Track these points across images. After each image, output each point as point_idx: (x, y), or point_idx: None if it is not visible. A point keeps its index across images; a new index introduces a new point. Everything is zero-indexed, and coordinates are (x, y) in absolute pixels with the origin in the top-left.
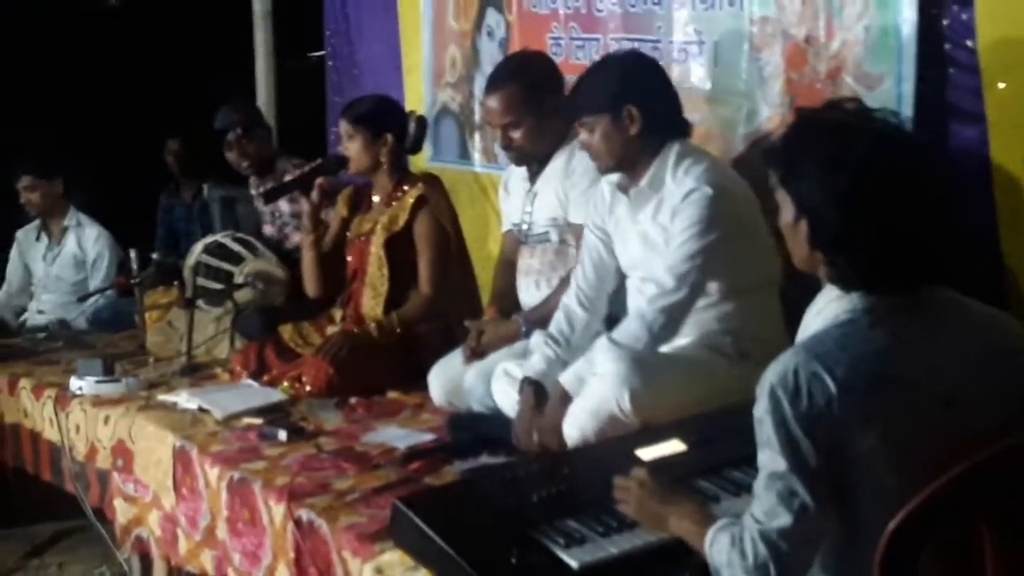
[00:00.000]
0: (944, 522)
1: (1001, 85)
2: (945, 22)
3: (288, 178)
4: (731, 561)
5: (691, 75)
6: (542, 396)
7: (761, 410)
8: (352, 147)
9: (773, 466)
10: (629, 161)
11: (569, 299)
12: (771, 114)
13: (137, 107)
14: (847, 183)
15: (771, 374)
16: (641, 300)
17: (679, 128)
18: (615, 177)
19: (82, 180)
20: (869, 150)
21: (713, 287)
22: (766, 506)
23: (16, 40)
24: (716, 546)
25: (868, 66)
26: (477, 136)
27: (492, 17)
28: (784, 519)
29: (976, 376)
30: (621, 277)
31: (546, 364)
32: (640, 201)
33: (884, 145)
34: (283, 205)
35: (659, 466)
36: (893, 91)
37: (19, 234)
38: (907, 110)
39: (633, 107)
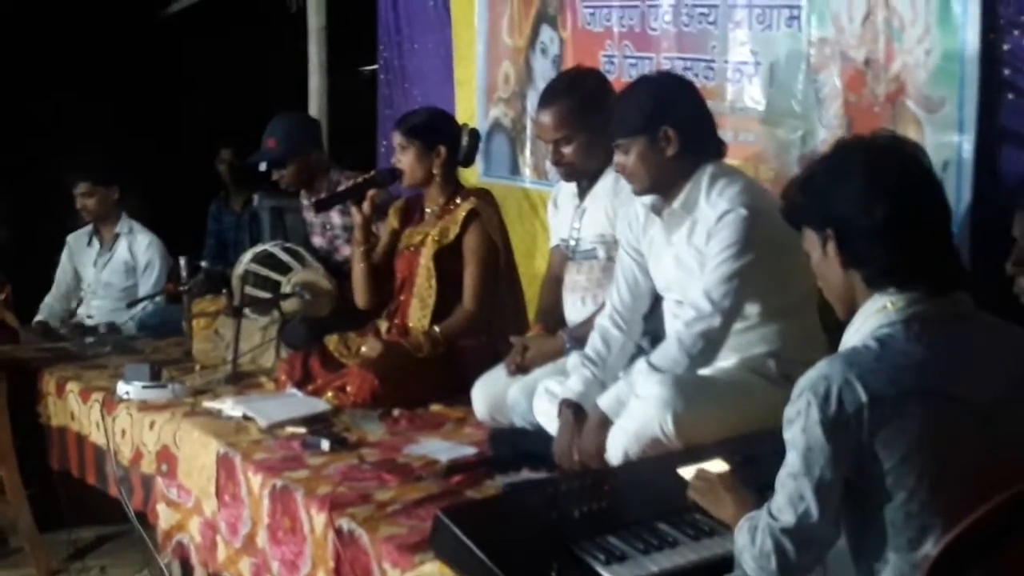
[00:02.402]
0: (991, 549)
1: None
2: (1005, 47)
3: (340, 189)
4: (745, 546)
5: (745, 95)
6: (581, 417)
7: (791, 411)
8: (405, 159)
9: (791, 466)
10: (665, 182)
11: (604, 319)
12: (827, 136)
13: (191, 116)
14: (863, 182)
15: (805, 379)
16: (678, 324)
17: (714, 149)
18: (649, 198)
19: (136, 187)
20: (870, 155)
21: (752, 309)
22: (778, 503)
23: (75, 49)
24: (740, 531)
25: (929, 90)
26: (528, 152)
27: (546, 34)
28: (788, 519)
29: (1015, 393)
30: (656, 297)
31: (584, 385)
32: (674, 223)
33: (888, 151)
34: (335, 217)
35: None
36: (955, 115)
37: (70, 239)
38: (969, 134)
39: (669, 128)
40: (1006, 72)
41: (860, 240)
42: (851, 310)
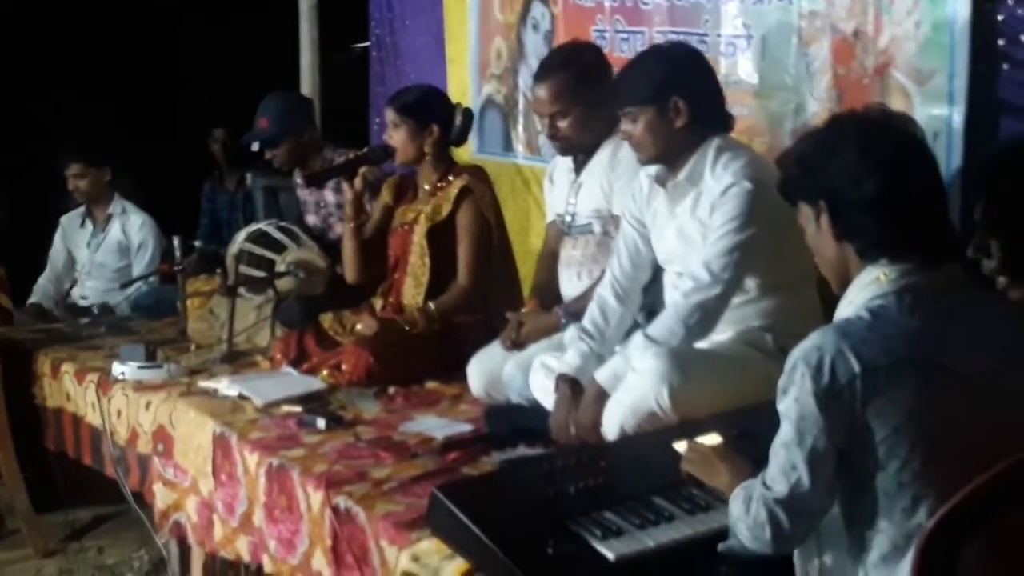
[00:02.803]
0: (986, 521)
1: None
2: (1000, 17)
3: (333, 165)
4: (740, 516)
5: (738, 69)
6: (578, 392)
7: (784, 381)
8: (397, 136)
9: (784, 436)
10: (671, 153)
11: (604, 290)
12: (818, 109)
13: (183, 96)
14: (855, 153)
15: (798, 349)
16: (677, 294)
17: (723, 122)
18: (653, 169)
19: (128, 168)
20: (862, 128)
21: (751, 283)
22: (772, 472)
23: (67, 31)
24: (735, 500)
25: (919, 61)
26: (521, 128)
27: (537, 9)
28: (781, 488)
29: (1008, 363)
30: (656, 269)
31: (581, 359)
32: (678, 194)
33: (882, 124)
34: (328, 195)
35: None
36: (945, 87)
37: (63, 220)
38: (959, 106)
39: (680, 99)
40: (1001, 43)
41: (852, 212)
42: (845, 283)
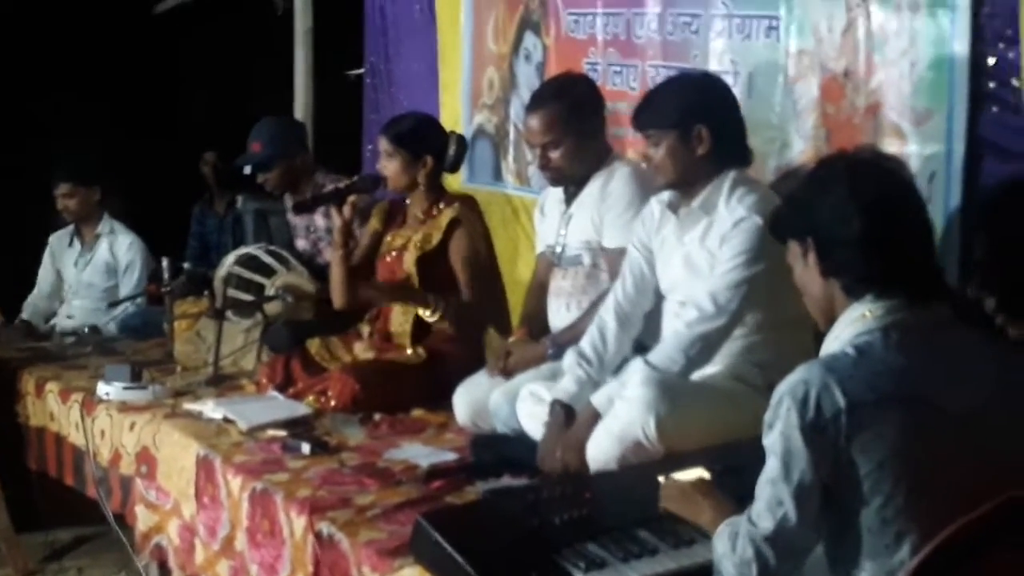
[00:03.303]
0: (970, 560)
1: None
2: (990, 60)
3: (323, 192)
4: (725, 553)
5: None
6: (571, 418)
7: (770, 415)
8: (391, 166)
9: (770, 471)
10: (688, 180)
11: (606, 312)
12: (804, 147)
13: (176, 118)
14: (843, 193)
15: (784, 383)
16: (679, 323)
17: (741, 156)
18: (666, 195)
19: (118, 188)
20: (852, 168)
21: (749, 319)
22: (758, 509)
23: (58, 48)
24: (719, 537)
25: (914, 101)
26: (511, 158)
27: (530, 40)
28: (767, 525)
29: (993, 401)
30: (658, 298)
31: (577, 386)
32: (689, 222)
33: (871, 164)
34: (319, 220)
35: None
36: (943, 126)
37: (52, 239)
38: (959, 146)
39: (704, 127)
40: (991, 85)
41: (839, 248)
42: (831, 321)
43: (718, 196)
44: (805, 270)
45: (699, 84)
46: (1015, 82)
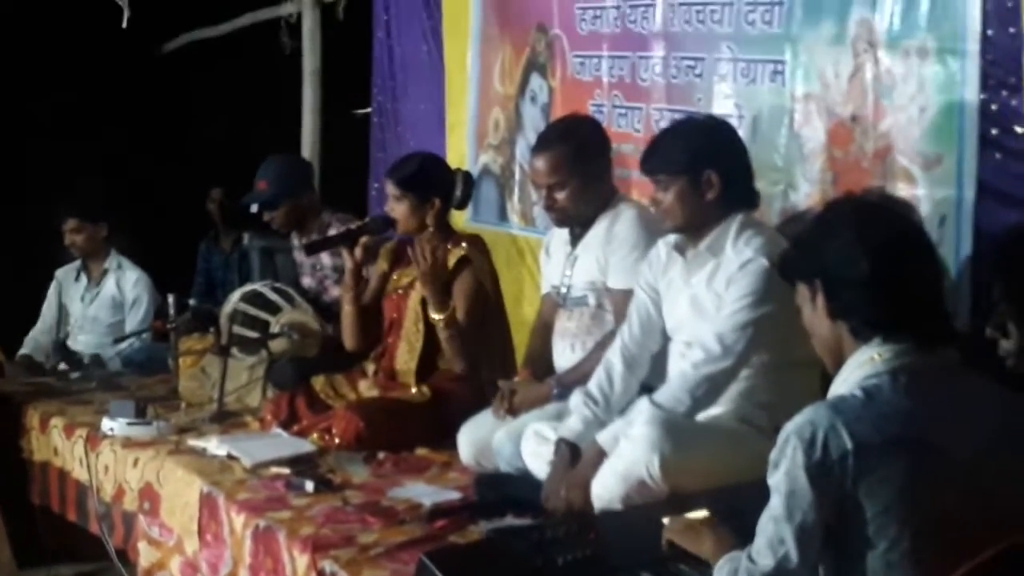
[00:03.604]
0: None
1: None
2: (994, 107)
3: (332, 232)
4: None
5: None
6: (577, 457)
7: (776, 454)
8: (399, 209)
9: (773, 510)
10: (697, 224)
11: (612, 354)
12: (810, 190)
13: (183, 156)
14: (852, 236)
15: (792, 423)
16: (685, 364)
17: (749, 199)
18: (673, 237)
19: (125, 224)
20: (861, 211)
21: (755, 360)
22: (758, 546)
23: (67, 86)
24: (719, 572)
25: (924, 146)
26: (516, 199)
27: (536, 82)
28: (767, 563)
29: (999, 446)
30: (665, 339)
31: (583, 425)
32: (696, 264)
33: (878, 207)
34: (325, 258)
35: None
36: (953, 171)
37: (59, 273)
38: (969, 191)
39: (714, 173)
40: (994, 131)
41: (847, 291)
42: (839, 363)
43: (725, 239)
44: (813, 313)
45: (707, 129)
46: (1019, 129)
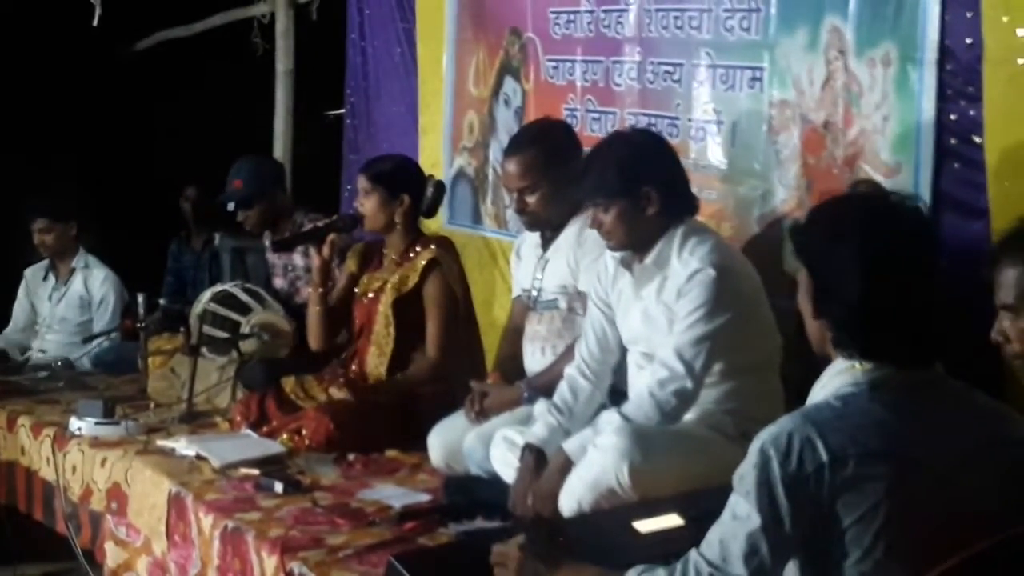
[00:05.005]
0: None
1: (1006, 183)
2: (952, 116)
3: (302, 231)
4: None
5: (708, 153)
6: (542, 463)
7: (748, 465)
8: (368, 204)
9: (746, 520)
10: (642, 240)
11: (572, 370)
12: (787, 196)
13: (154, 155)
14: (848, 246)
15: (765, 433)
16: (651, 380)
17: (689, 205)
18: (619, 252)
19: (94, 223)
20: (875, 221)
21: (716, 367)
22: (726, 553)
23: (37, 83)
24: None
25: (886, 155)
26: (489, 202)
27: (509, 85)
28: (739, 571)
29: (976, 460)
30: (624, 349)
31: (548, 432)
32: (644, 278)
33: (891, 219)
34: (296, 259)
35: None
36: (910, 180)
37: (27, 272)
38: (924, 200)
39: (651, 188)
40: (952, 141)
41: (835, 306)
42: (823, 353)
43: (670, 250)
44: (805, 300)
45: (637, 145)
46: (977, 139)
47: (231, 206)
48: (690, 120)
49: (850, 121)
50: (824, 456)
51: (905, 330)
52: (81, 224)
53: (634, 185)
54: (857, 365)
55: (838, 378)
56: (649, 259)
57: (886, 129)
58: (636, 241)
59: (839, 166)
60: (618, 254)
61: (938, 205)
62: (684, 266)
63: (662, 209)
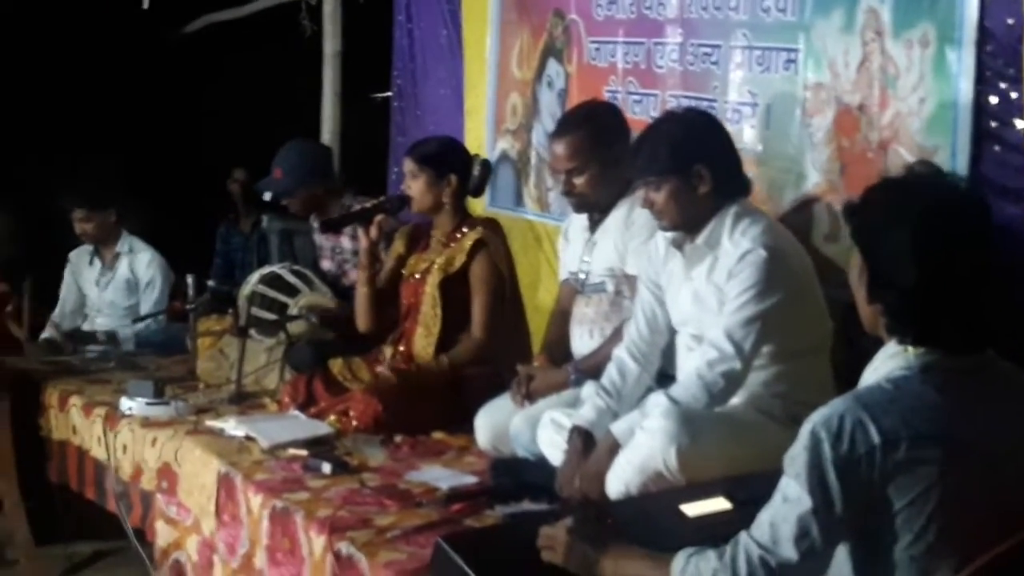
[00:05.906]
0: None
1: None
2: (992, 99)
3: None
4: (715, 572)
5: (743, 136)
6: (590, 445)
7: (799, 447)
8: (415, 186)
9: (796, 502)
10: (694, 220)
11: (621, 352)
12: (819, 180)
13: (202, 137)
14: (905, 233)
15: (817, 415)
16: (697, 360)
17: (741, 186)
18: (670, 233)
19: (135, 206)
20: (933, 207)
21: (766, 350)
22: (776, 535)
23: (87, 67)
24: (691, 567)
25: (922, 138)
26: (532, 184)
27: (553, 67)
28: (790, 554)
29: None
30: (673, 331)
31: (596, 414)
32: (695, 258)
33: (949, 205)
34: (344, 241)
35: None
36: (947, 163)
37: (72, 256)
38: None
39: (703, 167)
40: (992, 124)
41: (890, 292)
42: (874, 332)
43: (721, 230)
44: (859, 282)
45: (690, 123)
46: (1018, 122)
47: (267, 196)
48: (727, 102)
49: (886, 103)
50: (876, 438)
51: (959, 317)
52: (121, 209)
53: (686, 163)
54: (909, 349)
55: (890, 361)
56: (700, 239)
57: (922, 111)
58: (687, 221)
59: (873, 149)
60: (669, 235)
61: (976, 188)
62: (735, 246)
63: (714, 189)
